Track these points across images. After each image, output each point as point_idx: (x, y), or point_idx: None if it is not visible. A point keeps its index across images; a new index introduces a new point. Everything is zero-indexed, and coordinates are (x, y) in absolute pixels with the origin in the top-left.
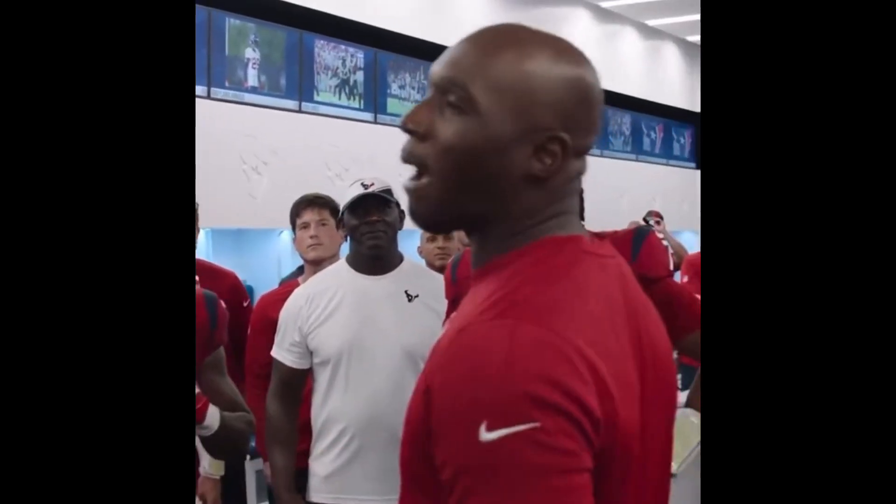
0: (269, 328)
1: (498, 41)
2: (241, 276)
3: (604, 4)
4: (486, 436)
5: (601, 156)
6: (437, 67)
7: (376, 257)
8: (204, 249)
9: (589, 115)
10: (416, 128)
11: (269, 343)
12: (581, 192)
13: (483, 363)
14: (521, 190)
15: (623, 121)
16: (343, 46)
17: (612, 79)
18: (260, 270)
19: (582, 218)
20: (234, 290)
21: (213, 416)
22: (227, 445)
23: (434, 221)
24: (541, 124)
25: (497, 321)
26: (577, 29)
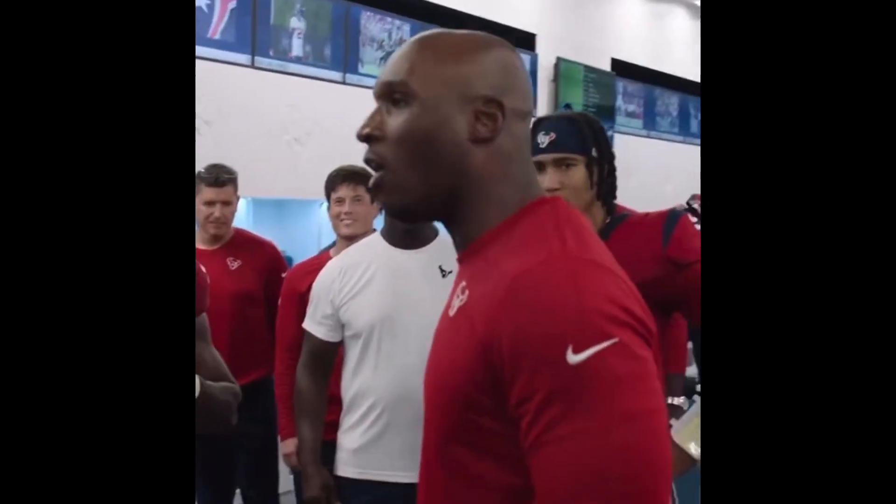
0: (297, 300)
1: (422, 44)
2: (281, 247)
3: None
4: (573, 358)
5: (648, 136)
6: (378, 80)
7: (410, 231)
8: (245, 219)
9: (514, 80)
10: (371, 131)
11: (297, 315)
12: (614, 170)
13: (554, 296)
14: (474, 154)
15: (670, 101)
16: (389, 19)
17: (660, 59)
18: (300, 241)
19: (614, 196)
20: (273, 259)
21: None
22: (207, 416)
23: (404, 208)
24: (474, 93)
25: (551, 261)
26: (625, 8)
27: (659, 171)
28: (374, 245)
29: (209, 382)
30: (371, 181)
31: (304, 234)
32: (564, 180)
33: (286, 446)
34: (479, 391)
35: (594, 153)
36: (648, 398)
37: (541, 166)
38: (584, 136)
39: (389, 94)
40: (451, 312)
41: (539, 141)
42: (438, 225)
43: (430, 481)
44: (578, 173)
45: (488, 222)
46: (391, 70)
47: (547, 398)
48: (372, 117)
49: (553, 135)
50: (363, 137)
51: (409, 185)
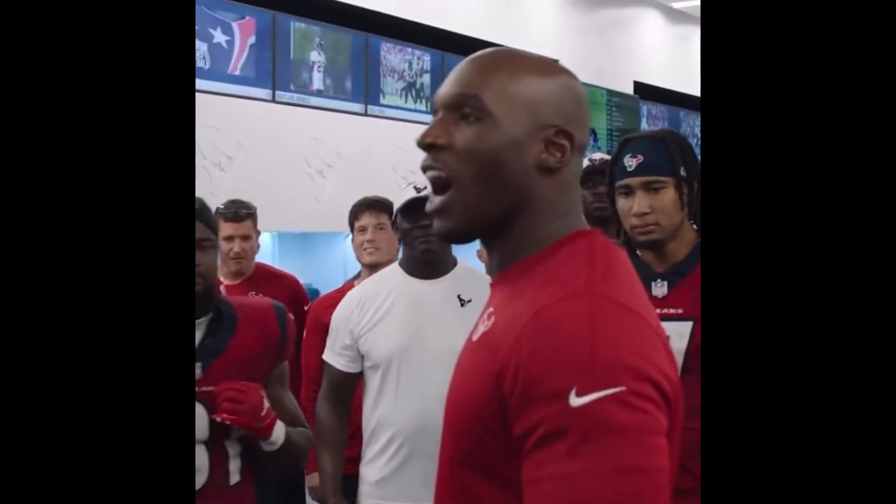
0: (321, 332)
1: (496, 59)
2: (306, 280)
3: (675, 5)
4: (575, 401)
5: None
6: (445, 89)
7: (429, 262)
8: (270, 252)
9: (582, 113)
10: (434, 140)
11: (321, 347)
12: None
13: (568, 335)
14: (538, 182)
15: (695, 123)
16: (409, 49)
17: (684, 81)
18: (326, 273)
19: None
20: (295, 293)
21: (278, 432)
22: (287, 461)
23: (463, 232)
24: (547, 122)
25: (572, 299)
26: (648, 30)
27: None
28: (393, 275)
29: (290, 429)
30: (432, 206)
31: (330, 266)
32: (654, 204)
33: (312, 479)
34: (492, 419)
35: (683, 172)
36: (646, 454)
37: (629, 189)
38: (673, 155)
39: (458, 106)
40: (475, 337)
41: (626, 164)
42: (457, 253)
43: None
44: (668, 195)
45: (530, 249)
46: (462, 81)
47: (546, 436)
48: (436, 125)
49: (640, 157)
50: (426, 146)
51: (476, 205)
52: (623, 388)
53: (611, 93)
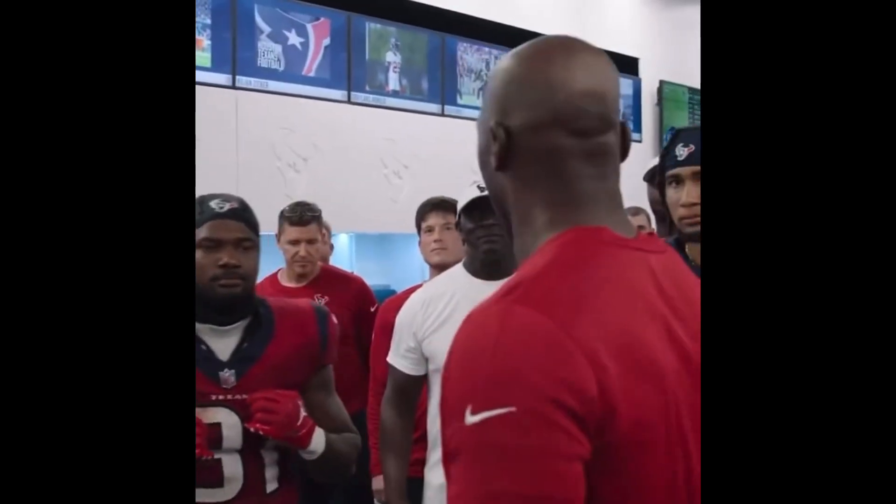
0: (391, 333)
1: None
2: (384, 281)
3: None
4: (469, 419)
5: None
6: None
7: (492, 262)
8: (347, 254)
9: (520, 93)
10: None
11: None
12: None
13: (471, 348)
14: (504, 182)
15: None
16: (487, 49)
17: None
18: (404, 274)
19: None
20: (361, 294)
21: (318, 441)
22: (330, 469)
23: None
24: (489, 119)
25: (494, 305)
26: None
27: None
28: (457, 276)
29: (333, 436)
30: None
31: (408, 267)
32: None
33: (377, 482)
34: None
35: None
36: (529, 481)
37: (678, 179)
38: None
39: None
40: None
41: (677, 153)
42: None
43: None
44: None
45: (523, 253)
46: None
47: (447, 452)
48: None
49: (692, 146)
50: None
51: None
52: (513, 409)
53: (692, 90)
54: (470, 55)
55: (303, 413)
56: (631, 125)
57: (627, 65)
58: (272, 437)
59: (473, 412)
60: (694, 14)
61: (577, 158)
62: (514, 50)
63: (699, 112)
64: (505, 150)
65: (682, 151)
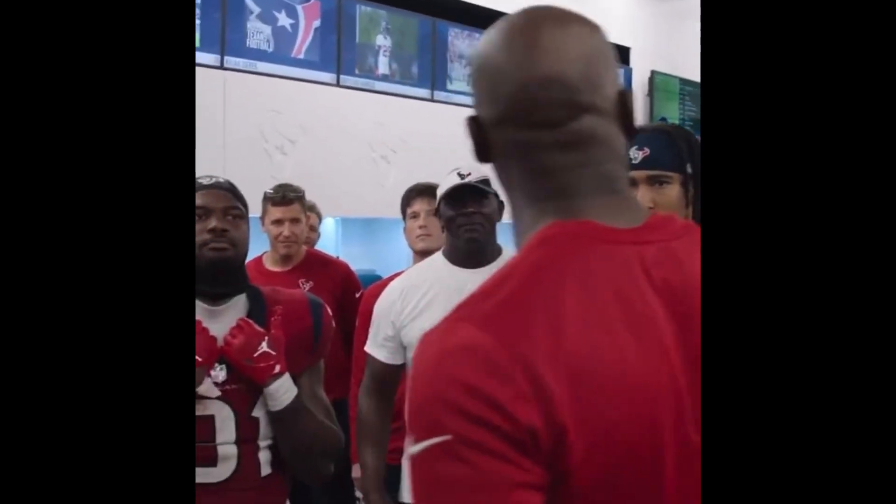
0: None
1: None
2: (370, 266)
3: None
4: (412, 449)
5: None
6: None
7: (473, 251)
8: (333, 238)
9: (488, 84)
10: None
11: None
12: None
13: (416, 370)
14: (499, 176)
15: None
16: (477, 35)
17: None
18: (390, 260)
19: None
20: (346, 280)
21: (281, 388)
22: (300, 435)
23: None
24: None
25: (442, 323)
26: None
27: None
28: (436, 264)
29: (309, 409)
30: None
31: (394, 252)
32: (657, 199)
33: (356, 470)
34: None
35: (689, 170)
36: None
37: (633, 183)
38: (680, 151)
39: None
40: None
41: (632, 156)
42: (502, 242)
43: None
44: (673, 191)
45: (518, 249)
46: None
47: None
48: None
49: (647, 150)
50: None
51: None
52: (448, 437)
53: (683, 81)
54: (461, 41)
55: (266, 350)
56: None
57: (618, 54)
58: (229, 359)
59: (415, 441)
60: (686, 4)
61: (549, 150)
62: (487, 29)
63: (689, 103)
64: (478, 144)
65: (636, 154)
